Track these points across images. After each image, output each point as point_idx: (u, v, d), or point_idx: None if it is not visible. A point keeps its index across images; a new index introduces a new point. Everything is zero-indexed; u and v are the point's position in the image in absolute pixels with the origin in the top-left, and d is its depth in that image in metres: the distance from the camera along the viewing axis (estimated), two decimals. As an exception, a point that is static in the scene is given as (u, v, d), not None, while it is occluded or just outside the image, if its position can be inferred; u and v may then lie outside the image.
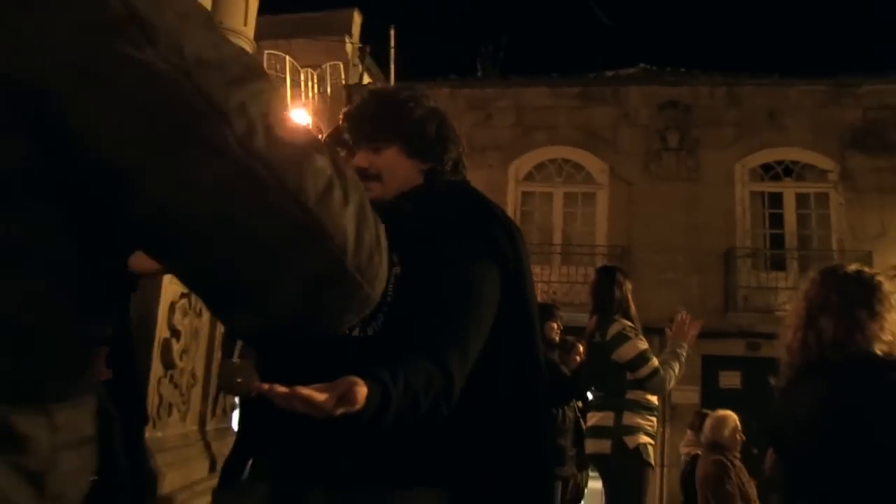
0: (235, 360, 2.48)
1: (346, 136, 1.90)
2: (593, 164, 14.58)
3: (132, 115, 0.60)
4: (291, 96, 14.24)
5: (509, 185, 14.75)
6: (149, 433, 4.33)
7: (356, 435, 1.46)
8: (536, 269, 13.82)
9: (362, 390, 1.27)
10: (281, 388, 1.19)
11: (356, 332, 1.59)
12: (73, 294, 0.67)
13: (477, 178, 14.00)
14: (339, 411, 1.24)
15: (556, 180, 14.85)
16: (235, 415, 7.43)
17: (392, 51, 12.09)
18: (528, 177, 14.98)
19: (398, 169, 1.79)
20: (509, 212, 14.66)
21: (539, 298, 9.87)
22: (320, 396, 1.21)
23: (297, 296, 0.70)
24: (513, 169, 14.83)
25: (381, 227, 0.77)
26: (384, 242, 0.76)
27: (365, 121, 1.84)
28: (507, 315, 1.67)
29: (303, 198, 0.65)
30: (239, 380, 2.69)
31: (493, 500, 1.63)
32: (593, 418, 4.24)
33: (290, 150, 0.66)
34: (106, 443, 2.67)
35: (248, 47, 8.75)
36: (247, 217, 0.65)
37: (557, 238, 14.61)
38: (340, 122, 1.90)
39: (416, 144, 1.82)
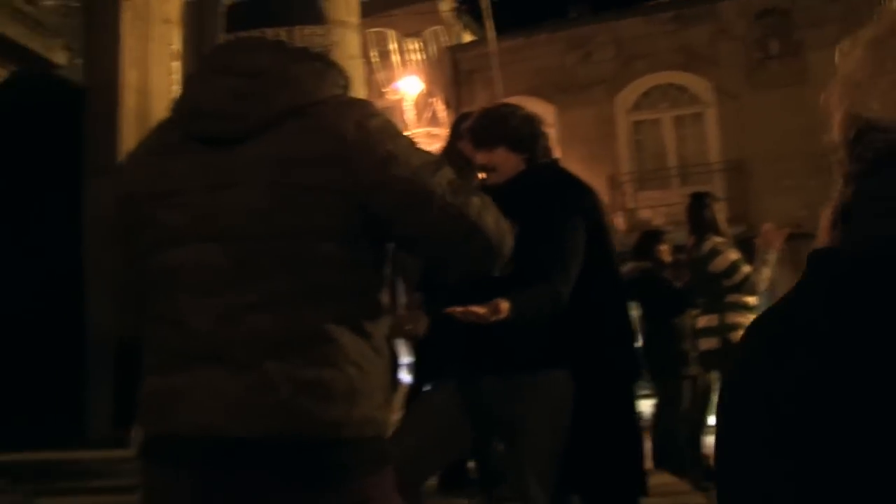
0: (402, 312, 3.24)
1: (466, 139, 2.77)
2: (697, 85, 14.82)
3: (399, 197, 1.46)
4: (402, 65, 15.14)
5: (618, 117, 15.21)
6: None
7: (509, 338, 2.34)
8: (656, 194, 14.33)
9: (505, 304, 2.14)
10: (461, 309, 2.07)
11: (497, 274, 2.45)
12: (381, 275, 1.56)
13: (585, 115, 14.63)
14: (493, 318, 2.12)
15: (663, 105, 15.19)
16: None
17: (485, 10, 12.71)
18: (636, 106, 15.37)
19: (507, 162, 2.63)
20: (621, 143, 15.13)
21: (661, 220, 10.43)
22: (482, 310, 2.09)
23: (476, 259, 1.56)
24: (619, 101, 15.26)
25: (503, 218, 1.59)
26: (507, 225, 1.59)
27: (480, 131, 2.69)
28: (593, 250, 2.50)
29: (471, 217, 1.49)
30: (408, 327, 3.36)
31: (598, 370, 2.49)
32: (702, 321, 5.02)
33: (463, 195, 1.50)
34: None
35: (355, 33, 9.60)
36: (449, 229, 1.49)
37: (672, 161, 15.01)
38: (463, 132, 2.76)
39: (516, 143, 2.64)
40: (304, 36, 1.56)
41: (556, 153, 2.87)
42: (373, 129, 1.46)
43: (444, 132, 13.81)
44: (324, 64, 1.52)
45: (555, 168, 2.75)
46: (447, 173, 1.51)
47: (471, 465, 4.34)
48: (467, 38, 17.10)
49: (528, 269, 2.37)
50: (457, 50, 16.28)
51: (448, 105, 15.45)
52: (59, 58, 2.86)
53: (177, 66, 7.27)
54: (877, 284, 0.57)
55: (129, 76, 6.46)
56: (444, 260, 1.59)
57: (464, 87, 16.01)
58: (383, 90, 15.21)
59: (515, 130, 2.65)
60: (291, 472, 1.35)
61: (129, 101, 6.41)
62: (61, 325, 5.67)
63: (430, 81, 15.20)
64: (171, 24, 7.15)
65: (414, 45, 15.15)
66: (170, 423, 1.39)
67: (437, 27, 15.57)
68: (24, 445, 4.80)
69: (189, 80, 1.62)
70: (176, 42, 7.29)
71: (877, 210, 0.62)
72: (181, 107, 1.54)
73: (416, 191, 1.45)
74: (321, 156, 1.41)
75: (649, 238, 6.01)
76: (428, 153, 1.55)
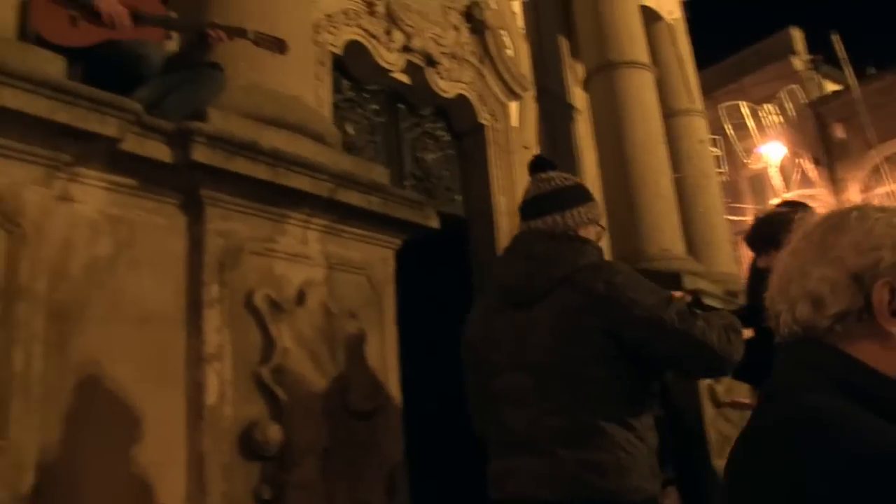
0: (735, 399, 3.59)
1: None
2: None
3: (641, 330, 2.03)
4: (759, 132, 15.01)
5: None
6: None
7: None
8: None
9: None
10: (729, 401, 2.57)
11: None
12: (640, 384, 2.12)
13: None
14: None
15: None
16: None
17: (842, 59, 12.29)
18: None
19: None
20: None
21: None
22: (747, 400, 2.55)
23: (707, 367, 2.06)
24: None
25: (731, 329, 2.06)
26: (732, 336, 2.06)
27: (754, 239, 3.11)
28: None
29: (697, 335, 1.99)
30: (744, 403, 3.65)
31: None
32: None
33: (689, 321, 2.01)
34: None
35: (700, 118, 9.96)
36: (680, 347, 2.02)
37: None
38: (748, 244, 3.19)
39: None
40: (573, 215, 2.25)
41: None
42: (617, 283, 2.08)
43: (817, 192, 13.24)
44: (581, 242, 2.20)
45: None
46: (676, 306, 2.06)
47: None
48: (829, 87, 16.38)
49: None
50: (818, 104, 15.70)
51: (817, 162, 14.89)
52: (434, 223, 3.83)
53: (539, 183, 8.32)
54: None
55: (500, 202, 7.58)
56: (684, 369, 2.13)
57: (832, 141, 15.31)
58: (745, 161, 15.15)
59: (787, 235, 3.01)
60: None
61: (502, 224, 7.50)
62: (458, 423, 6.74)
63: (794, 142, 14.82)
64: (529, 149, 8.25)
65: (770, 108, 14.96)
66: (505, 491, 2.10)
67: (793, 86, 15.21)
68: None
69: (498, 261, 2.42)
70: (533, 162, 8.37)
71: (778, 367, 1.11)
72: (495, 281, 2.33)
73: (653, 323, 2.02)
74: (583, 307, 2.06)
75: None
76: (661, 292, 2.11)
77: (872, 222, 1.08)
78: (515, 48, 8.44)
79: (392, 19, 6.64)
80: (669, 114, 9.28)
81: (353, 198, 3.33)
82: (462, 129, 7.76)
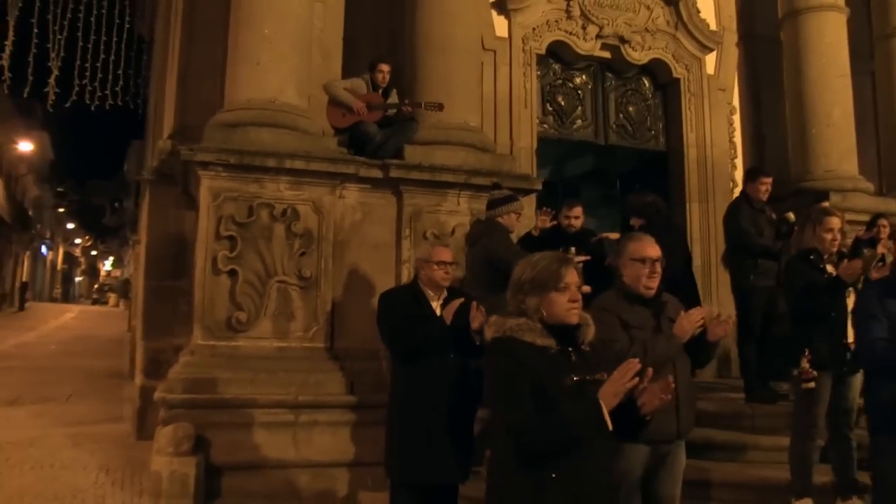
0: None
1: None
2: None
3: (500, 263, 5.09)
4: None
5: None
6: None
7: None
8: None
9: None
10: None
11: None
12: None
13: None
14: None
15: None
16: None
17: None
18: None
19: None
20: None
21: None
22: None
23: None
24: None
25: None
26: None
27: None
28: None
29: None
30: None
31: None
32: None
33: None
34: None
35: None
36: None
37: None
38: None
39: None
40: (496, 210, 5.32)
41: None
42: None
43: None
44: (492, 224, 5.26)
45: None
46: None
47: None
48: None
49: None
50: None
51: None
52: (538, 185, 6.81)
53: (735, 118, 10.42)
54: None
55: (689, 137, 9.97)
56: None
57: None
58: None
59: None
60: None
61: (690, 154, 9.93)
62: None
63: None
64: (725, 90, 10.35)
65: None
66: None
67: None
68: None
69: None
70: (734, 100, 10.45)
71: None
72: None
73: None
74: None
75: None
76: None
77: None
78: (721, 2, 10.38)
79: (587, 18, 9.35)
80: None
81: (480, 180, 6.52)
82: (662, 82, 10.20)
